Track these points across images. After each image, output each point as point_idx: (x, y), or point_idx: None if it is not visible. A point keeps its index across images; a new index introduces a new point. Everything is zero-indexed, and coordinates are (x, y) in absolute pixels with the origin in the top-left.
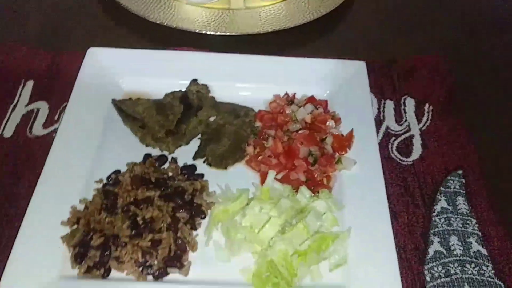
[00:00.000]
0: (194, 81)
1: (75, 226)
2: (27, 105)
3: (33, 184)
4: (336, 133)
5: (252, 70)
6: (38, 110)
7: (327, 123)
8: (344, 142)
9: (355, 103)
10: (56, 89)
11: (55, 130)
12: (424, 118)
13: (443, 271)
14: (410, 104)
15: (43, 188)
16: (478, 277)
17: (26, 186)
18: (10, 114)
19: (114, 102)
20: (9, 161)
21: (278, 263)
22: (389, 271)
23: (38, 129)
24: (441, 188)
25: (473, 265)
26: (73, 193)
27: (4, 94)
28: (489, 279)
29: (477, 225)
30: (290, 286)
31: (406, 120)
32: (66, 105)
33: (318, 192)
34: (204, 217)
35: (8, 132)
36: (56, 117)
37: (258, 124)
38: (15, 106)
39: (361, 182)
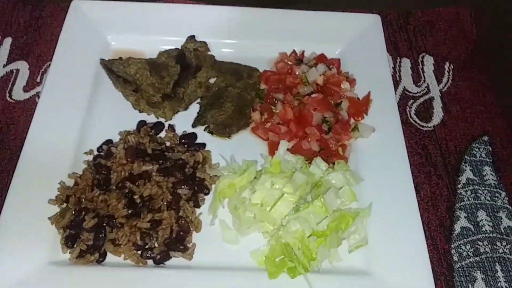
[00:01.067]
0: (191, 37)
1: (64, 205)
2: (5, 65)
3: (15, 156)
4: (351, 97)
5: (255, 25)
6: (17, 71)
7: (342, 85)
8: (361, 107)
9: (370, 62)
10: (37, 47)
11: (38, 94)
12: (445, 79)
13: (471, 249)
14: (428, 62)
15: (26, 161)
16: (511, 257)
17: (6, 157)
18: None
19: (103, 62)
20: None
21: (294, 246)
22: (416, 252)
23: (18, 93)
24: (466, 157)
25: (504, 242)
26: (60, 166)
27: None
28: None
29: (507, 198)
30: (307, 271)
31: (424, 81)
32: (48, 66)
33: (333, 164)
34: (208, 193)
35: None
36: (38, 79)
37: (263, 86)
38: None
39: (381, 152)
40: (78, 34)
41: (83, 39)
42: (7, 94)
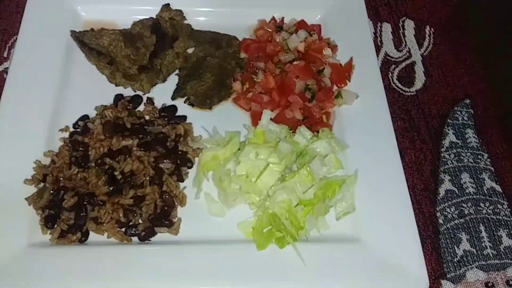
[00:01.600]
0: (166, 6)
1: (41, 185)
2: None
3: None
4: (334, 63)
5: None
6: None
7: (324, 51)
8: (344, 73)
9: (351, 27)
10: (1, 20)
11: (6, 70)
12: (426, 42)
13: (456, 212)
14: (409, 26)
15: None
16: (494, 217)
17: None
18: None
19: (74, 34)
20: None
21: (281, 216)
22: (403, 217)
23: None
24: (448, 120)
25: (487, 203)
26: (35, 145)
27: None
28: (505, 218)
29: (489, 159)
30: (296, 240)
31: (406, 45)
32: (15, 40)
33: (317, 132)
34: (191, 166)
35: None
36: (5, 54)
37: (243, 55)
38: None
39: (365, 118)
40: (46, 5)
41: (51, 10)
42: None
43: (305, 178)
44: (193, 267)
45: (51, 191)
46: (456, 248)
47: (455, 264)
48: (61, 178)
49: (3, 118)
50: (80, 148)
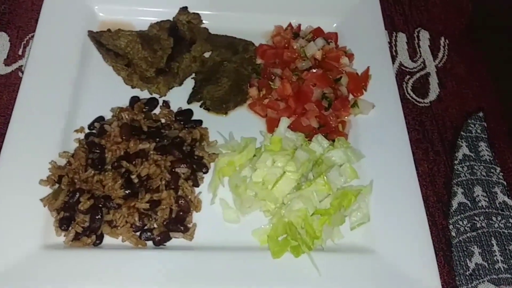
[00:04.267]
0: (184, 9)
1: (56, 186)
2: None
3: (0, 135)
4: (350, 72)
5: None
6: None
7: (341, 60)
8: (360, 83)
9: (367, 36)
10: (17, 17)
11: (21, 68)
12: (440, 54)
13: (468, 224)
14: (424, 37)
15: (13, 140)
16: (506, 231)
17: None
18: None
19: (92, 34)
20: None
21: (297, 224)
22: (417, 228)
23: None
24: (462, 133)
25: (499, 217)
26: (50, 145)
27: None
28: None
29: (501, 173)
30: (311, 249)
31: (420, 56)
32: (31, 38)
33: (333, 141)
34: (207, 172)
35: None
36: (20, 52)
37: (259, 61)
38: None
39: (380, 128)
40: (63, 4)
41: (68, 8)
42: None
43: (321, 188)
44: (208, 273)
45: (67, 193)
46: (468, 261)
47: (467, 277)
48: (77, 180)
49: (19, 116)
50: (97, 150)
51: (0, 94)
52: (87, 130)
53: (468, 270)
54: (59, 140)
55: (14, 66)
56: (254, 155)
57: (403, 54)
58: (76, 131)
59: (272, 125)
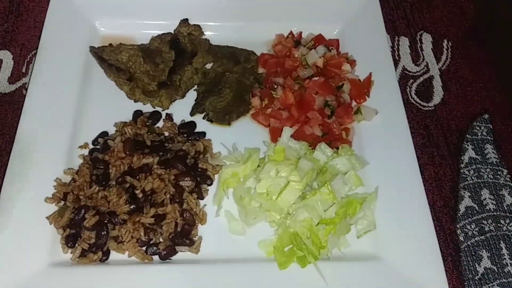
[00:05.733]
0: (185, 21)
1: (61, 203)
2: None
3: (4, 153)
4: (353, 79)
5: (249, 6)
6: (0, 61)
7: (343, 67)
8: (363, 89)
9: (369, 42)
10: (20, 35)
11: (24, 86)
12: (443, 56)
13: (476, 228)
14: (427, 40)
15: (17, 157)
16: None
17: None
18: None
19: (93, 50)
20: None
21: (303, 235)
22: (424, 235)
23: (3, 85)
24: (467, 136)
25: (507, 220)
26: (54, 162)
27: None
28: None
29: (508, 175)
30: (317, 259)
31: (423, 59)
32: (34, 55)
33: (337, 148)
34: (211, 184)
35: None
36: (23, 69)
37: (261, 70)
38: None
39: (384, 134)
40: (64, 20)
41: (70, 25)
42: None
43: (326, 196)
44: (215, 286)
45: (72, 210)
46: (477, 265)
47: (476, 282)
48: (82, 197)
49: (23, 134)
50: (101, 166)
51: (4, 112)
52: (91, 146)
53: (477, 275)
54: (63, 157)
55: (18, 84)
56: (258, 166)
57: (406, 58)
58: (80, 147)
59: (275, 135)
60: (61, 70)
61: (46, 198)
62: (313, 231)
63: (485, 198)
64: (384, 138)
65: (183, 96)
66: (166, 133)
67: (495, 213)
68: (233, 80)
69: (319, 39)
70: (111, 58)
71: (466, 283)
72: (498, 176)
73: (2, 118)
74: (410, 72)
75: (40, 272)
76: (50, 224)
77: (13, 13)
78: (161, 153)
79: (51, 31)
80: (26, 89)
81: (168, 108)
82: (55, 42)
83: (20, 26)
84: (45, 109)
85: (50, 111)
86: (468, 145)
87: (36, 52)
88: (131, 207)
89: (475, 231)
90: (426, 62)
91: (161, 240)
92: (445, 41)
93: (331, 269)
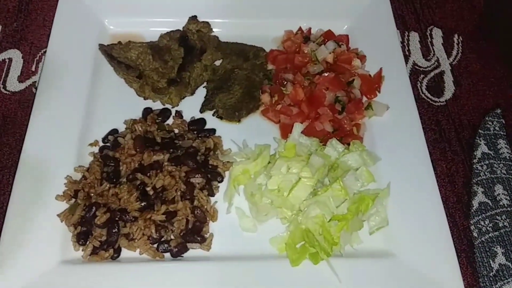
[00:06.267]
0: (193, 18)
1: (72, 201)
2: None
3: (15, 151)
4: (363, 74)
5: (257, 3)
6: (10, 60)
7: (353, 62)
8: (373, 84)
9: (379, 37)
10: (29, 34)
11: (34, 84)
12: (454, 51)
13: (490, 224)
14: (437, 35)
15: (28, 156)
16: None
17: (6, 153)
18: None
19: (103, 47)
20: None
21: (315, 231)
22: (438, 231)
23: (13, 84)
24: (480, 131)
25: None
26: (65, 160)
27: None
28: None
29: None
30: (330, 256)
31: (434, 54)
32: (43, 54)
33: (348, 144)
34: (222, 181)
35: None
36: (33, 68)
37: (270, 66)
38: None
39: (395, 130)
40: (73, 18)
41: (79, 23)
42: (1, 86)
43: (338, 193)
44: (226, 283)
45: (83, 207)
46: (491, 262)
47: (491, 279)
48: (93, 194)
49: (33, 132)
50: (111, 164)
51: (14, 110)
52: (101, 143)
53: (492, 271)
54: (74, 155)
55: (28, 82)
56: (269, 162)
57: (416, 53)
58: (91, 144)
59: (285, 131)
60: (70, 69)
61: (57, 195)
62: (325, 228)
63: (499, 194)
64: (395, 133)
65: (192, 93)
66: (176, 130)
67: (509, 208)
68: (242, 76)
69: (328, 35)
70: (121, 56)
71: (480, 280)
72: None
73: (12, 116)
74: (420, 67)
75: (52, 269)
76: (61, 221)
77: (23, 12)
78: (171, 150)
79: (60, 30)
80: (36, 88)
81: (177, 105)
82: (64, 40)
83: (29, 25)
84: (55, 107)
85: (60, 109)
86: (480, 140)
87: (46, 50)
88: (142, 204)
89: (489, 227)
90: (437, 57)
91: (172, 237)
92: (456, 35)
93: (343, 266)
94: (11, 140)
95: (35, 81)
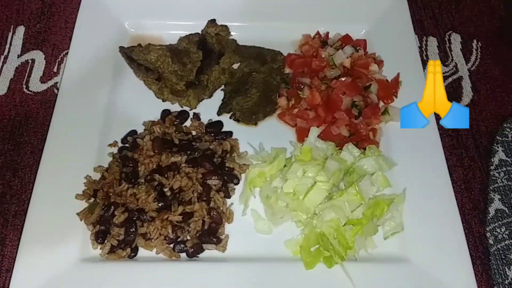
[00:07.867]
0: (212, 21)
1: (91, 200)
2: (19, 56)
3: (36, 150)
4: (380, 79)
5: (276, 7)
6: (33, 61)
7: (370, 67)
8: (390, 89)
9: (397, 42)
10: (51, 35)
11: (56, 85)
12: (473, 57)
13: (506, 232)
14: (456, 40)
15: (49, 155)
16: None
17: (28, 152)
18: (1, 67)
19: (123, 50)
20: (6, 123)
21: (329, 235)
22: (453, 237)
23: (35, 84)
24: (497, 137)
25: None
26: (85, 160)
27: None
28: None
29: None
30: (344, 260)
31: (452, 60)
32: (65, 55)
33: (364, 149)
34: (238, 183)
35: (2, 89)
36: (55, 69)
37: (287, 70)
38: (6, 57)
39: (412, 135)
40: (95, 20)
41: (100, 26)
42: (24, 86)
43: (353, 197)
44: (241, 285)
45: (102, 207)
46: (507, 269)
47: (506, 286)
48: (111, 194)
49: (55, 132)
50: (130, 164)
51: (36, 110)
52: (120, 144)
53: (507, 279)
54: (93, 155)
55: (50, 83)
56: (285, 166)
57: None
58: (110, 145)
59: (302, 135)
60: (91, 70)
61: (76, 195)
62: (340, 232)
63: None
64: (412, 139)
65: (210, 96)
66: (194, 132)
67: None
68: (259, 80)
69: (346, 39)
70: (140, 58)
71: (495, 287)
72: None
73: (34, 116)
74: None
75: (71, 267)
76: (81, 220)
77: (45, 14)
78: (189, 152)
79: (82, 32)
80: (58, 88)
81: (195, 108)
82: (85, 42)
83: (52, 27)
84: (76, 108)
85: (80, 110)
86: (498, 147)
87: (67, 52)
88: (159, 204)
89: (505, 234)
90: (455, 62)
91: (188, 238)
92: (475, 41)
93: (358, 270)
94: (33, 139)
95: (57, 82)
